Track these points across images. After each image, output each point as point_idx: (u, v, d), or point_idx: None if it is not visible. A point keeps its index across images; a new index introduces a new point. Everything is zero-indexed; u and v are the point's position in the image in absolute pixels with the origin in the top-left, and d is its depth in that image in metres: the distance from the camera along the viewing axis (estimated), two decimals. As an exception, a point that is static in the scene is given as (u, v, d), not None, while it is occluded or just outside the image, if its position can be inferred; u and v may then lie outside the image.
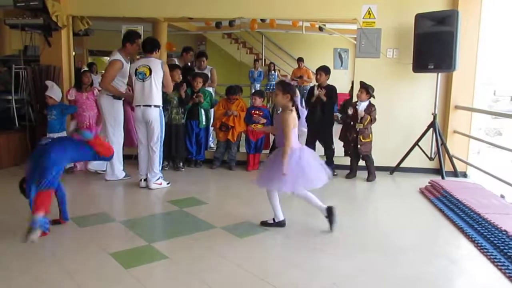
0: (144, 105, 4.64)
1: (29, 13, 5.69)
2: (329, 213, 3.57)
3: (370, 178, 5.38)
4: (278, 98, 3.45)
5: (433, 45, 5.21)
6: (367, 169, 5.41)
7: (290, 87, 3.50)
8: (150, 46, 4.73)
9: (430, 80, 5.60)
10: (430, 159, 5.63)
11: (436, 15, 5.25)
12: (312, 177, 3.43)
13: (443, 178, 5.31)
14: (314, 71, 6.00)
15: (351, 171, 5.49)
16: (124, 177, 5.15)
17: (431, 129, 5.49)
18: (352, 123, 5.36)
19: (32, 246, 3.09)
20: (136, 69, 4.67)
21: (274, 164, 3.42)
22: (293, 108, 3.45)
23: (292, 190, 3.50)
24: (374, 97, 5.28)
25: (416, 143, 5.57)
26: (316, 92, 5.55)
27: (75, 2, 6.03)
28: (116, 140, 5.02)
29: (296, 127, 3.47)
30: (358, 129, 5.30)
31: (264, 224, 3.64)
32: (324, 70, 5.60)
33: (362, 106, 5.29)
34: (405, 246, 3.33)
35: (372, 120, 5.28)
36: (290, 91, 3.43)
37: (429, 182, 4.94)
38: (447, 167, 5.53)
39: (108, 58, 5.12)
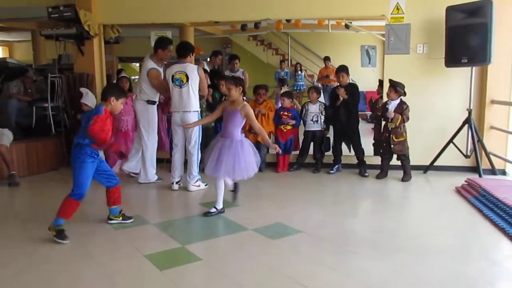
0: (183, 111, 4.71)
1: (63, 24, 5.88)
2: (235, 188, 4.07)
3: (406, 178, 5.23)
4: (232, 92, 3.84)
5: (466, 38, 5.06)
6: (403, 169, 5.27)
7: (240, 80, 3.96)
8: (184, 51, 4.79)
9: (463, 75, 5.43)
10: (466, 156, 5.46)
11: (468, 7, 5.09)
12: (245, 167, 3.79)
13: (480, 176, 5.13)
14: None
15: (382, 171, 5.39)
16: (156, 180, 5.23)
17: (466, 125, 5.33)
18: (384, 122, 5.26)
19: (69, 248, 3.23)
20: (173, 75, 4.71)
21: (221, 152, 3.77)
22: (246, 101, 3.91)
23: (247, 177, 3.81)
24: (404, 94, 5.17)
25: (451, 140, 5.41)
26: (339, 92, 5.48)
27: (106, 11, 6.19)
28: (151, 144, 5.14)
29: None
30: (390, 129, 5.19)
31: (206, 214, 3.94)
32: (346, 71, 5.58)
33: (392, 105, 5.18)
34: (441, 247, 3.23)
35: (405, 119, 5.15)
36: (241, 84, 3.88)
37: (465, 181, 4.79)
38: (484, 164, 5.35)
39: (138, 64, 5.24)
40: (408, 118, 5.17)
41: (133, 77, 11.48)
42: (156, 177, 5.25)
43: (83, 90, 5.61)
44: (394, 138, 5.18)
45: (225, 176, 3.89)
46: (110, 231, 3.61)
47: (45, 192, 4.93)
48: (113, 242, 3.39)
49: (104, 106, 3.44)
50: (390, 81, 5.23)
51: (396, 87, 5.12)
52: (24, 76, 6.63)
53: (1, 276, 2.78)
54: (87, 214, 3.94)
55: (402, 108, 5.13)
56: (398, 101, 5.18)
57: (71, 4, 5.77)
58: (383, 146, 5.31)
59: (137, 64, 13.23)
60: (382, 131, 5.32)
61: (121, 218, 3.79)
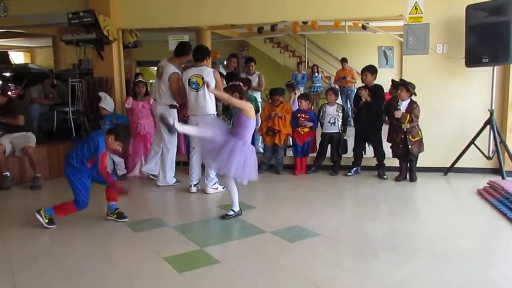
0: (199, 114, 4.73)
1: (83, 29, 5.98)
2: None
3: (413, 177, 5.21)
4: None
5: (487, 37, 4.97)
6: (410, 168, 5.22)
7: (236, 87, 4.21)
8: (201, 54, 4.82)
9: (484, 75, 5.33)
10: (488, 158, 5.35)
11: (489, 5, 4.99)
12: (248, 172, 3.79)
13: (503, 178, 5.02)
14: (359, 71, 5.89)
15: (401, 173, 5.31)
16: (175, 183, 5.27)
17: (488, 126, 5.22)
18: (396, 123, 5.18)
19: (89, 249, 3.29)
20: (189, 79, 4.75)
21: (232, 151, 3.74)
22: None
23: (230, 175, 3.79)
24: (415, 94, 5.09)
25: (472, 142, 5.31)
26: (360, 93, 5.44)
27: (125, 16, 6.27)
28: (172, 148, 5.21)
29: (253, 117, 3.93)
30: (405, 129, 5.11)
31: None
32: (369, 70, 5.49)
33: (403, 105, 5.11)
34: (463, 250, 3.17)
35: (413, 119, 5.05)
36: (237, 90, 4.10)
37: (487, 183, 4.69)
38: (507, 166, 5.22)
39: (156, 68, 5.30)
40: (417, 118, 5.09)
41: (150, 81, 11.65)
42: (174, 180, 5.29)
43: (101, 94, 5.70)
44: (410, 138, 5.10)
45: (235, 176, 3.81)
46: (129, 233, 3.65)
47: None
48: (132, 243, 3.43)
49: (105, 139, 3.67)
50: (402, 80, 5.16)
51: (408, 87, 5.05)
52: (45, 81, 6.78)
53: (22, 277, 2.84)
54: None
55: (412, 108, 5.06)
56: (408, 101, 5.11)
57: (90, 10, 5.85)
58: (399, 148, 5.23)
59: (155, 68, 13.43)
60: (396, 133, 5.23)
61: (115, 216, 3.92)
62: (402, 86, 5.11)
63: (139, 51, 8.23)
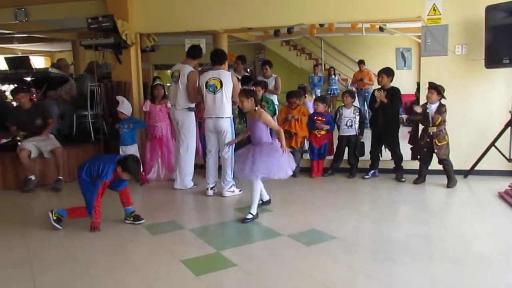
0: (216, 117, 4.76)
1: (101, 34, 6.07)
2: (266, 203, 4.36)
3: (451, 183, 5.03)
4: (244, 104, 4.02)
5: (508, 38, 4.88)
6: (446, 174, 5.08)
7: (251, 91, 4.09)
8: (219, 58, 4.87)
9: (505, 76, 5.25)
10: (509, 160, 5.24)
11: (509, 6, 4.90)
12: (282, 168, 3.94)
13: (525, 181, 4.92)
14: (376, 73, 5.85)
15: (420, 176, 5.24)
16: (192, 186, 5.31)
17: (509, 128, 5.12)
18: (423, 126, 5.11)
19: (109, 251, 3.33)
20: (207, 82, 4.77)
21: (254, 157, 3.92)
22: (259, 108, 4.07)
23: (256, 177, 3.94)
24: (445, 97, 5.01)
25: (492, 144, 5.22)
26: (376, 94, 5.40)
27: (142, 21, 6.35)
28: (190, 151, 5.26)
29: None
30: (431, 133, 5.03)
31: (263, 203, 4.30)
32: (385, 72, 5.44)
33: (432, 108, 5.04)
34: (486, 255, 3.11)
35: (442, 122, 5.01)
36: (252, 95, 4.03)
37: (509, 186, 4.59)
38: (529, 168, 5.13)
39: (171, 71, 5.35)
40: (445, 122, 5.02)
41: (168, 84, 11.75)
42: (192, 184, 5.33)
43: (119, 98, 5.77)
44: (437, 142, 5.01)
45: (260, 177, 3.97)
46: (148, 236, 3.68)
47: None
48: (151, 247, 3.46)
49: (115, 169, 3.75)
50: (431, 83, 5.07)
51: (439, 90, 4.97)
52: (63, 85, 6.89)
53: (44, 281, 2.88)
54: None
55: (441, 111, 4.99)
56: (437, 104, 5.04)
57: (109, 15, 5.95)
58: (423, 151, 5.16)
59: (171, 72, 13.55)
60: (421, 135, 5.16)
61: (132, 219, 3.98)
62: (432, 88, 5.01)
63: (156, 54, 8.33)
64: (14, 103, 6.30)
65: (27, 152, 5.35)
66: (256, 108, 4.04)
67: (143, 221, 3.97)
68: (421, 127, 5.27)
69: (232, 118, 4.89)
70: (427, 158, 5.17)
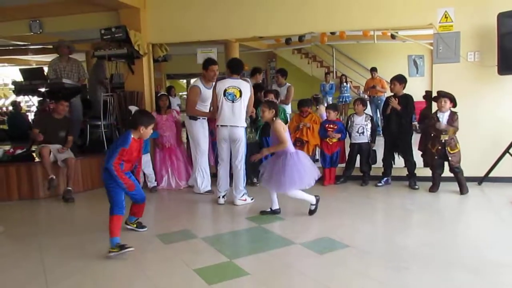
0: (231, 125, 4.77)
1: (114, 44, 6.16)
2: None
3: (463, 191, 4.99)
4: (265, 114, 4.23)
5: (521, 45, 4.84)
6: (458, 181, 5.03)
7: (274, 104, 4.37)
8: (237, 68, 4.90)
9: (518, 82, 5.19)
10: (524, 167, 5.18)
11: (522, 13, 4.88)
12: (305, 178, 4.15)
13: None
14: (389, 81, 5.82)
15: (434, 184, 5.17)
16: (207, 192, 5.38)
17: (524, 134, 5.06)
18: (434, 134, 5.06)
19: (121, 261, 3.33)
20: (225, 90, 4.78)
21: (274, 167, 4.19)
22: (277, 118, 4.26)
23: (287, 191, 4.19)
24: (456, 105, 4.97)
25: (507, 151, 5.15)
26: (390, 102, 5.38)
27: (154, 31, 6.43)
28: (200, 157, 5.38)
29: (286, 130, 4.29)
30: (443, 141, 4.99)
31: (263, 212, 4.43)
32: (398, 80, 5.42)
33: (444, 117, 5.00)
34: (499, 263, 3.06)
35: (455, 130, 4.96)
36: (274, 107, 4.26)
37: (524, 193, 4.53)
38: (545, 176, 5.04)
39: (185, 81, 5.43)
40: (457, 129, 4.98)
41: (180, 93, 11.86)
42: (207, 189, 5.41)
43: (131, 108, 5.84)
44: (449, 150, 4.97)
45: (278, 190, 4.24)
46: (160, 245, 3.70)
47: (99, 208, 5.11)
48: (163, 255, 3.47)
49: (132, 135, 3.53)
50: (442, 92, 5.02)
51: (453, 98, 4.93)
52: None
53: None
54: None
55: (453, 119, 4.95)
56: (448, 112, 5.00)
57: (122, 26, 6.04)
58: (434, 159, 5.11)
59: (184, 81, 13.68)
60: (432, 143, 5.11)
61: (135, 226, 4.02)
62: (445, 97, 4.97)
63: (168, 64, 8.41)
64: (27, 109, 6.39)
65: (48, 150, 5.44)
66: (274, 119, 4.22)
67: (145, 228, 4.01)
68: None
69: (245, 128, 4.92)
70: (439, 166, 5.12)
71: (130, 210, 3.95)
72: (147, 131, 3.58)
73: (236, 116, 4.75)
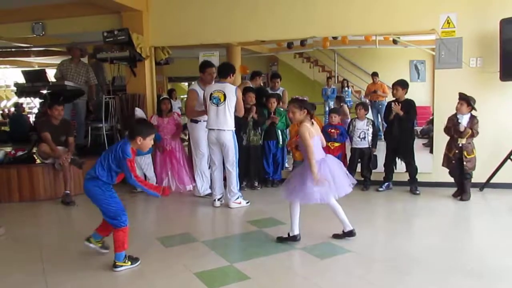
0: (217, 129, 4.80)
1: (117, 47, 6.17)
2: (348, 234, 3.70)
3: (466, 197, 4.96)
4: (296, 115, 3.58)
5: (523, 51, 4.85)
6: (463, 187, 5.01)
7: (304, 102, 3.62)
8: (224, 71, 4.90)
9: (521, 88, 5.18)
10: (526, 173, 5.16)
11: (525, 19, 4.89)
12: (338, 185, 3.59)
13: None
14: (390, 85, 5.82)
15: (464, 191, 5.02)
16: (207, 195, 5.37)
17: (526, 141, 5.05)
18: (450, 139, 5.04)
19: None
20: (211, 94, 4.83)
21: (300, 176, 3.56)
22: (311, 120, 3.62)
23: (321, 200, 3.58)
24: (475, 109, 4.94)
25: (508, 157, 5.15)
26: (393, 107, 5.37)
27: (157, 34, 6.45)
28: (199, 160, 5.39)
29: (314, 136, 3.57)
30: (460, 145, 4.96)
31: (280, 239, 3.72)
32: (400, 85, 5.41)
33: (464, 120, 4.97)
34: (502, 269, 3.05)
35: (474, 134, 4.90)
36: (306, 107, 3.58)
37: (526, 199, 4.51)
38: (546, 182, 5.03)
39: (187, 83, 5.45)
40: (477, 133, 4.93)
41: (182, 96, 11.87)
42: (207, 192, 5.40)
43: (137, 110, 5.85)
44: (466, 154, 4.94)
45: (298, 200, 3.64)
46: (160, 248, 3.68)
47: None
48: (163, 259, 3.45)
49: (131, 145, 3.14)
50: (462, 94, 5.00)
51: (470, 101, 4.92)
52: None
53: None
54: (138, 231, 4.06)
55: (473, 123, 4.91)
56: (469, 115, 4.97)
57: (124, 28, 6.05)
58: (451, 163, 5.07)
59: (186, 84, 13.72)
60: (449, 148, 5.08)
61: (100, 245, 3.47)
62: (462, 100, 4.94)
63: (170, 67, 8.44)
64: (28, 111, 6.41)
65: (48, 135, 5.44)
66: (308, 119, 3.61)
67: (107, 250, 3.47)
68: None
69: (234, 131, 4.89)
70: (455, 170, 5.09)
71: (98, 228, 3.44)
72: (146, 143, 3.16)
73: (220, 119, 4.77)
